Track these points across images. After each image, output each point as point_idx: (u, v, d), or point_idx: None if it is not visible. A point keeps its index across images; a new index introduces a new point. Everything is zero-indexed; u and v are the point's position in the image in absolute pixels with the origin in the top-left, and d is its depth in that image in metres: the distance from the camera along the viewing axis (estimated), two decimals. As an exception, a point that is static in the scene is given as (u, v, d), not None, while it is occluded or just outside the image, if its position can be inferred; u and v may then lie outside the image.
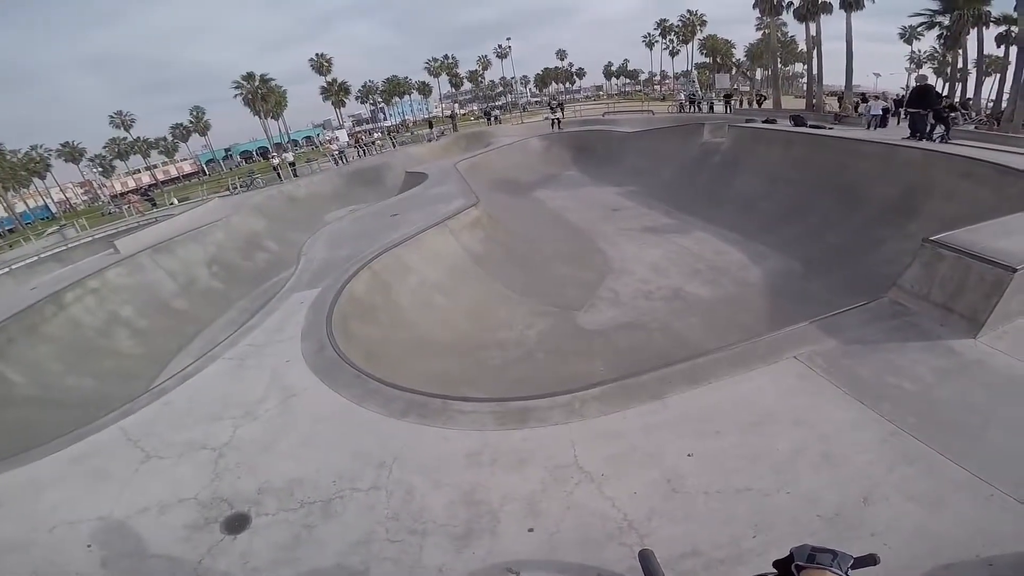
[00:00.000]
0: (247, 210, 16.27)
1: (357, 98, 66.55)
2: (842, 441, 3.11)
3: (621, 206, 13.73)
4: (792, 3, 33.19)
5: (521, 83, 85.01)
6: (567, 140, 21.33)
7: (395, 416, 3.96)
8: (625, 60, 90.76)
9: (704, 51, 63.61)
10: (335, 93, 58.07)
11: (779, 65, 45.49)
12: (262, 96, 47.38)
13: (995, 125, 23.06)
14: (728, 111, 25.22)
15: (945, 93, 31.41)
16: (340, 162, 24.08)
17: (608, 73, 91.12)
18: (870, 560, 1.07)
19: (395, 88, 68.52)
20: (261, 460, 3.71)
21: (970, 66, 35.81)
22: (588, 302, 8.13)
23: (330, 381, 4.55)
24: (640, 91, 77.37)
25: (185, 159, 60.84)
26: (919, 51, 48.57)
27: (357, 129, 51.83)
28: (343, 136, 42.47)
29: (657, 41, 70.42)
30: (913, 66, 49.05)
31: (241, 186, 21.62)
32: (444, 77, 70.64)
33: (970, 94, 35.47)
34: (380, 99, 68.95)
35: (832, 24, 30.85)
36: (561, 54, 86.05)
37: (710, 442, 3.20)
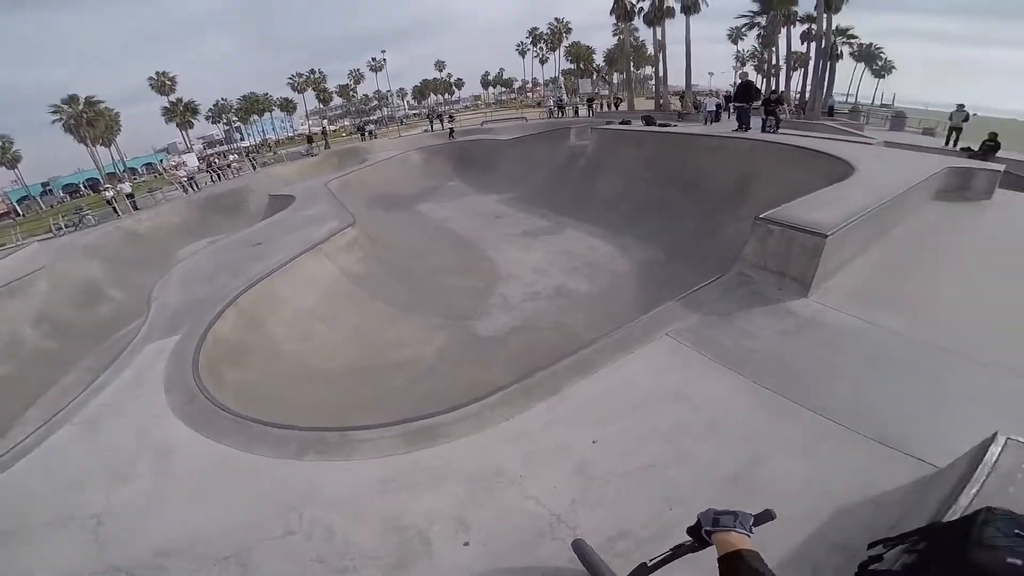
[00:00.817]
0: (77, 253, 13.55)
1: (208, 118, 59.85)
2: (720, 407, 3.38)
3: (503, 213, 13.97)
4: (642, 8, 36.77)
5: (398, 96, 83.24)
6: (448, 151, 21.26)
7: (291, 457, 3.60)
8: (501, 69, 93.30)
9: (570, 57, 66.88)
10: (180, 114, 51.52)
11: (632, 68, 50.11)
12: (88, 121, 40.55)
13: (802, 114, 27.77)
14: (591, 114, 27.15)
15: (762, 88, 36.71)
16: (191, 189, 21.23)
17: (485, 82, 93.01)
18: (767, 516, 1.10)
19: (253, 106, 62.86)
20: (150, 522, 3.29)
21: (781, 62, 42.11)
22: (481, 310, 8.14)
23: (208, 432, 4.05)
24: (515, 99, 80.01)
25: (-11, 198, 48.56)
26: (743, 50, 54.26)
27: (209, 152, 46.44)
28: (192, 160, 37.53)
29: (529, 49, 72.75)
30: (738, 64, 54.82)
31: (67, 225, 17.90)
32: (311, 93, 66.48)
33: (783, 87, 41.85)
34: (235, 118, 62.70)
35: (675, 28, 35.17)
36: (440, 65, 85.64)
37: (609, 427, 3.33)
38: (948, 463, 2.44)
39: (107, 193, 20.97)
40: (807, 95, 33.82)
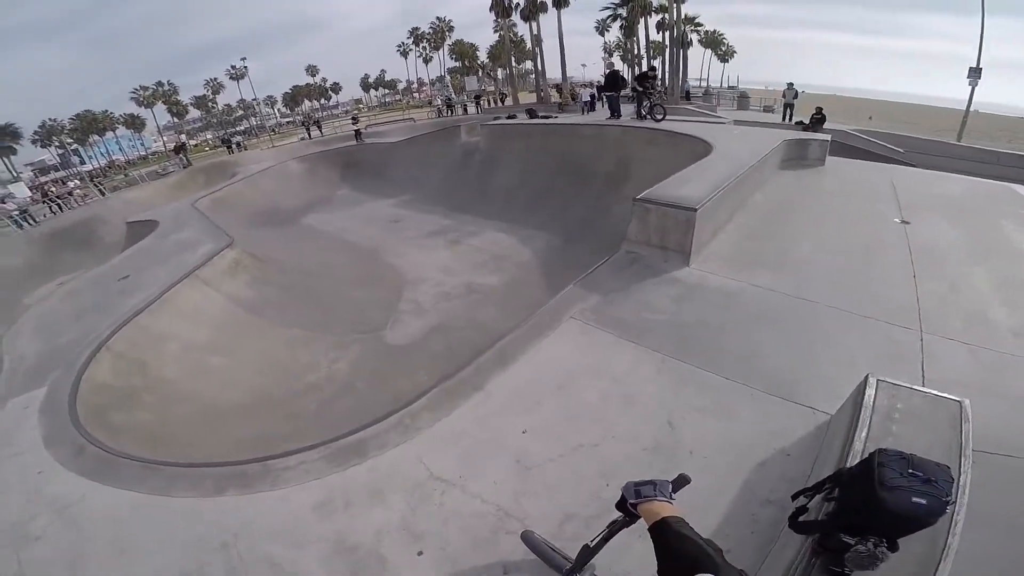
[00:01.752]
0: None
1: (35, 142, 51.34)
2: (631, 379, 3.55)
3: (400, 217, 13.57)
4: (519, 4, 37.63)
5: (266, 104, 76.73)
6: (332, 158, 19.93)
7: (212, 495, 3.25)
8: (382, 71, 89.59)
9: (454, 56, 66.24)
10: None
11: (514, 63, 51.17)
12: None
13: (665, 100, 30.38)
14: (479, 111, 27.34)
15: (627, 76, 39.41)
16: (25, 224, 17.73)
17: (366, 85, 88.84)
18: (683, 480, 1.13)
19: (91, 125, 54.70)
20: None
21: (642, 51, 45.52)
22: (391, 318, 7.84)
23: (112, 480, 3.54)
24: (400, 100, 78.08)
25: None
26: (610, 41, 56.51)
27: (43, 179, 39.02)
28: (21, 191, 31.20)
29: (411, 49, 70.83)
30: (606, 55, 57.75)
31: None
32: (161, 107, 59.23)
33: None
34: (71, 140, 54.10)
35: (549, 22, 36.32)
36: (312, 70, 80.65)
37: (536, 414, 3.38)
38: (837, 408, 2.73)
39: None
40: (666, 81, 37.05)
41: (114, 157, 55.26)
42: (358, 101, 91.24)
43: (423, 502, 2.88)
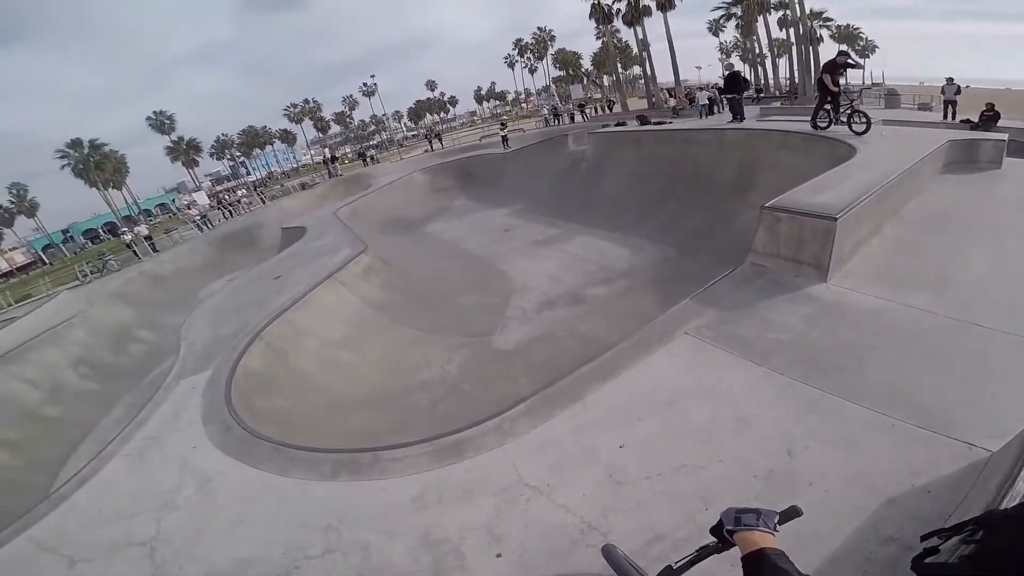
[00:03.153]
0: (106, 300, 14.49)
1: (211, 155, 61.68)
2: (748, 402, 3.35)
3: (511, 225, 14.09)
4: (619, 10, 37.04)
5: (394, 118, 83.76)
6: (451, 170, 21.49)
7: (326, 479, 3.77)
8: (492, 82, 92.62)
9: (558, 65, 66.89)
10: (184, 152, 53.19)
11: (620, 69, 50.16)
12: (96, 164, 41.78)
13: (795, 99, 27.74)
14: (585, 119, 27.34)
15: (750, 77, 36.22)
16: (204, 228, 21.83)
17: (479, 98, 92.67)
18: (793, 512, 1.09)
19: (254, 139, 64.09)
20: (199, 547, 3.47)
21: (765, 50, 41.95)
22: (499, 324, 8.19)
23: (247, 459, 4.25)
24: (510, 111, 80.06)
25: (14, 248, 45.81)
26: (726, 42, 54.21)
27: (218, 189, 47.31)
28: (202, 198, 38.11)
29: (517, 60, 72.54)
30: (724, 56, 54.95)
31: (92, 272, 18.51)
32: (308, 122, 67.41)
33: (770, 75, 41.46)
34: (239, 153, 63.90)
35: (656, 26, 34.88)
36: (431, 84, 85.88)
37: (636, 430, 3.32)
38: (1000, 446, 2.39)
39: (125, 237, 21.85)
40: (795, 80, 33.62)
41: (272, 169, 64.16)
42: (472, 113, 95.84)
43: (509, 506, 2.98)
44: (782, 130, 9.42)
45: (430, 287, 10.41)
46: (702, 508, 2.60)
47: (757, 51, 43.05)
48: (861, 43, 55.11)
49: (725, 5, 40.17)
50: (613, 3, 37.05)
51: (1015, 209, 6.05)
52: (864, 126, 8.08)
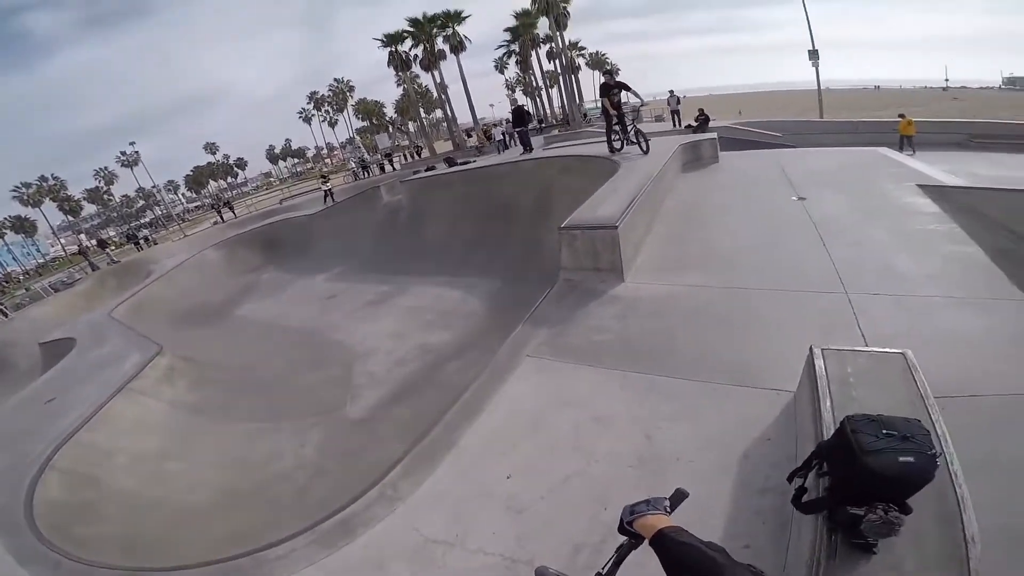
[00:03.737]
0: None
1: None
2: (597, 402, 3.58)
3: (336, 291, 13.10)
4: (417, 55, 38.57)
5: (168, 189, 72.29)
6: (251, 241, 19.13)
7: None
8: (287, 140, 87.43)
9: (360, 115, 66.02)
10: None
11: (423, 114, 52.11)
12: None
13: (567, 125, 32.34)
14: (394, 168, 27.54)
15: (532, 109, 40.81)
16: None
17: (273, 157, 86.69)
18: (680, 495, 1.15)
19: None
20: None
21: (540, 82, 47.84)
22: (349, 395, 7.56)
23: None
24: (312, 168, 76.66)
25: None
26: (510, 78, 57.40)
27: None
28: None
29: (314, 114, 69.51)
30: (509, 92, 58.69)
31: None
32: (50, 205, 54.29)
33: (546, 104, 47.31)
34: None
35: (451, 68, 37.20)
36: (211, 148, 77.05)
37: (515, 456, 3.33)
38: (796, 384, 2.85)
39: None
40: (564, 107, 39.09)
41: (9, 269, 49.73)
42: (267, 174, 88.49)
43: (427, 568, 2.78)
44: (562, 155, 10.80)
45: (256, 375, 9.14)
46: (600, 509, 2.67)
47: (535, 84, 48.66)
48: (608, 66, 66.15)
49: (506, 43, 44.42)
50: (410, 49, 38.42)
51: (732, 193, 7.87)
52: (646, 144, 8.83)
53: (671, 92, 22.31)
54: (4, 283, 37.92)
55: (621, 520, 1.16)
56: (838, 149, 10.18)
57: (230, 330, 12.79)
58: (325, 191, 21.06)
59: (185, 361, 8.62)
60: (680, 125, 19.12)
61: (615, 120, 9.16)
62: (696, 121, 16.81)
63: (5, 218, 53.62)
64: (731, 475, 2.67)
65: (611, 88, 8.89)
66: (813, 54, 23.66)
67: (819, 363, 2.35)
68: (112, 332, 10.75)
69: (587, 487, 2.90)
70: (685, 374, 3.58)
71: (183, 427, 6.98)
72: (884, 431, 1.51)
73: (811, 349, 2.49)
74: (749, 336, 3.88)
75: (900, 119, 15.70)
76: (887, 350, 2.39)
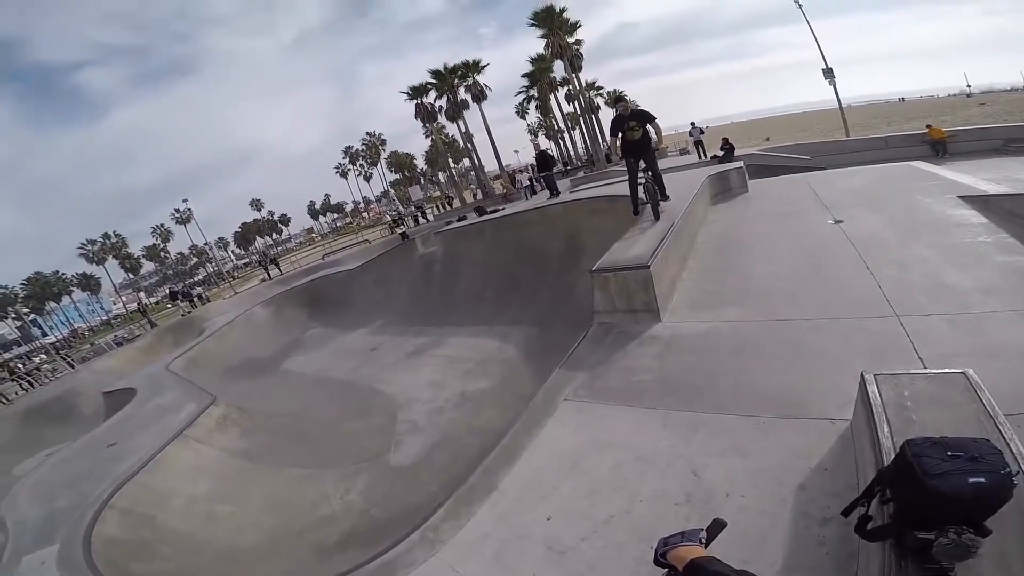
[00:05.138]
0: None
1: None
2: (639, 442, 3.52)
3: (377, 344, 13.56)
4: (442, 107, 40.48)
5: (219, 246, 76.05)
6: (296, 297, 20.15)
7: None
8: (327, 195, 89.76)
9: (392, 168, 67.37)
10: None
11: (452, 164, 53.91)
12: None
13: (592, 166, 32.88)
14: (428, 220, 28.64)
15: (554, 153, 41.32)
16: None
17: (314, 212, 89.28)
18: (718, 525, 1.16)
19: (44, 290, 51.97)
20: None
21: (562, 124, 48.57)
22: (392, 442, 7.86)
23: None
24: (351, 223, 78.85)
25: None
26: (532, 123, 58.39)
27: (7, 357, 37.49)
28: None
29: (349, 169, 70.84)
30: (532, 136, 59.02)
31: None
32: (112, 262, 56.42)
33: (569, 146, 47.85)
34: (26, 309, 51.33)
35: (475, 117, 38.51)
36: (257, 204, 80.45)
37: (555, 499, 3.28)
38: (850, 413, 2.77)
39: None
40: (588, 148, 39.51)
41: (76, 325, 52.86)
42: (309, 230, 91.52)
43: None
44: (589, 197, 10.97)
45: (303, 424, 9.57)
46: (647, 548, 2.63)
47: (556, 127, 49.66)
48: (618, 92, 65.40)
49: (524, 88, 45.59)
50: (435, 100, 40.43)
51: (766, 221, 7.76)
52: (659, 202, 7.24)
53: (692, 124, 22.51)
54: (72, 339, 40.75)
55: (655, 552, 1.18)
56: (870, 167, 9.93)
57: (278, 382, 13.39)
58: (400, 233, 22.67)
59: (237, 411, 9.10)
60: (705, 156, 19.16)
61: (639, 166, 7.05)
62: (721, 151, 16.84)
63: (73, 275, 55.98)
64: (788, 507, 2.56)
65: (625, 121, 6.82)
66: (828, 73, 23.52)
67: (872, 389, 2.28)
68: (169, 383, 11.61)
69: (632, 527, 2.84)
70: (731, 410, 3.48)
71: (234, 472, 7.38)
72: (949, 453, 1.47)
73: (862, 375, 2.42)
74: (796, 367, 3.76)
75: (928, 129, 15.64)
76: (946, 370, 2.29)
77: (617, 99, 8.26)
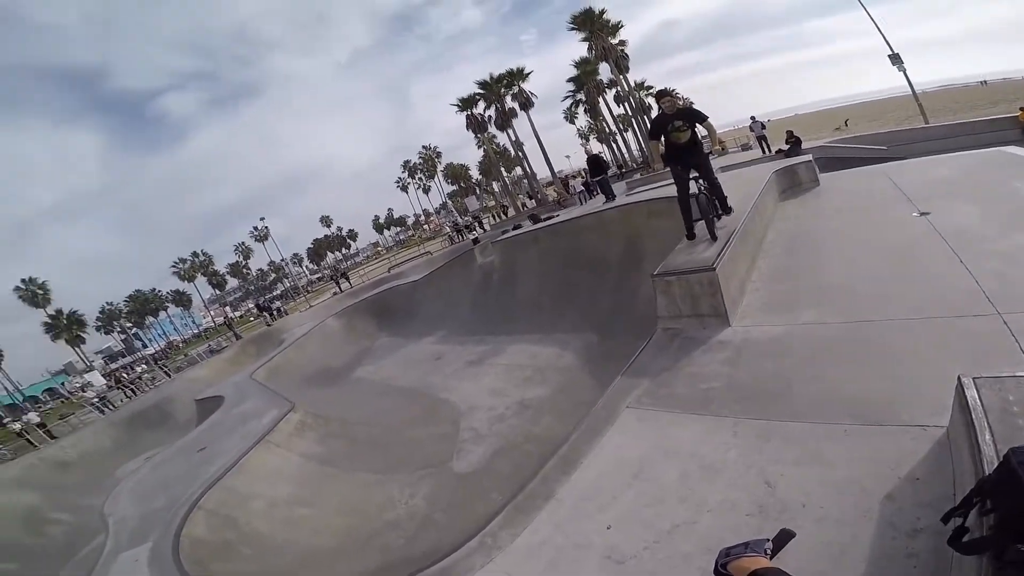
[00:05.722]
0: (4, 488, 13.93)
1: (98, 328, 54.36)
2: (706, 450, 3.40)
3: (440, 353, 14.03)
4: (491, 116, 41.18)
5: (294, 262, 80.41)
6: (365, 309, 21.34)
7: None
8: (389, 209, 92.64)
9: (449, 179, 68.73)
10: (66, 328, 45.96)
11: (504, 173, 54.41)
12: None
13: (649, 168, 32.13)
14: (485, 230, 29.24)
15: (607, 156, 40.50)
16: (106, 409, 20.80)
17: (378, 227, 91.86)
18: (785, 535, 1.15)
19: (144, 306, 57.79)
20: None
21: (613, 127, 47.65)
22: (455, 449, 8.14)
23: None
24: (413, 236, 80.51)
25: None
26: (582, 127, 56.98)
27: (113, 367, 42.03)
28: (97, 379, 34.31)
29: (409, 182, 72.26)
30: (583, 140, 58.01)
31: None
32: (201, 279, 61.54)
33: (623, 149, 46.82)
34: (130, 324, 57.19)
35: (523, 126, 38.55)
36: (326, 220, 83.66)
37: (616, 508, 3.23)
38: (946, 419, 2.55)
39: (14, 426, 20.26)
40: (644, 150, 38.51)
41: (171, 338, 58.20)
42: (375, 244, 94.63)
43: None
44: (647, 199, 10.76)
45: (373, 430, 10.11)
46: (711, 560, 2.54)
47: (607, 130, 48.81)
48: (680, 103, 63.55)
49: (571, 93, 45.08)
50: (484, 111, 41.23)
51: (841, 216, 7.28)
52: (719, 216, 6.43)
53: (753, 118, 21.42)
54: (168, 350, 45.44)
55: (716, 563, 1.17)
56: (956, 154, 8.99)
57: (350, 390, 14.26)
58: (473, 239, 22.89)
59: (313, 417, 9.73)
60: (770, 151, 18.20)
61: (689, 175, 6.09)
62: (787, 144, 15.94)
63: (168, 292, 62.04)
64: (873, 519, 2.38)
65: (669, 120, 5.90)
66: (895, 58, 21.52)
67: (971, 393, 2.07)
68: (253, 391, 12.68)
69: (697, 537, 2.74)
70: (808, 417, 3.28)
71: (311, 476, 7.87)
72: None
73: (959, 379, 2.24)
74: (881, 372, 3.48)
75: (1021, 112, 14.10)
76: None
77: (661, 93, 6.27)
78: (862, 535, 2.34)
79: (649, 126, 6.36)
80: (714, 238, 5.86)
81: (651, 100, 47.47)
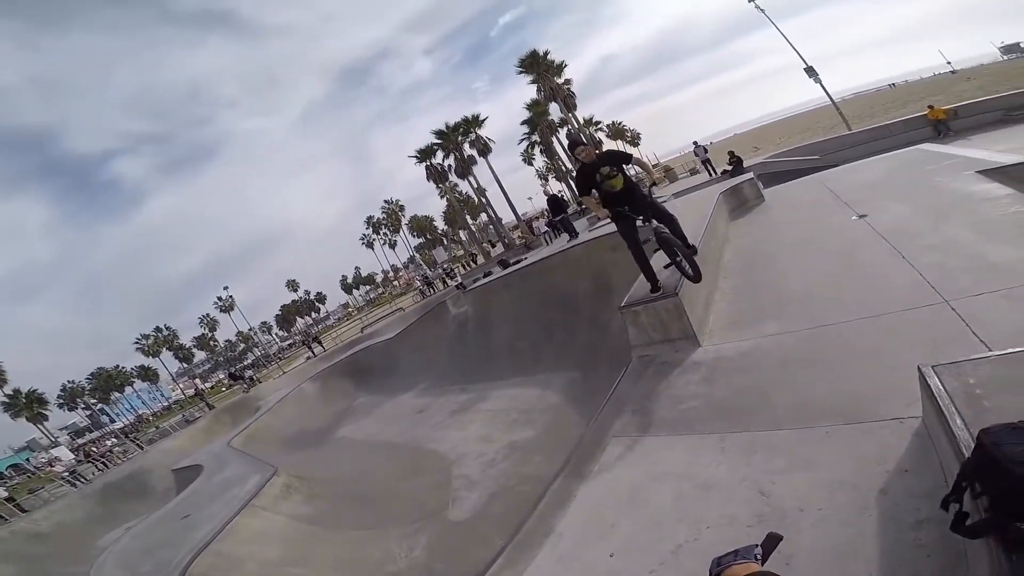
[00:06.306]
0: None
1: (60, 405, 52.80)
2: (697, 469, 3.41)
3: (423, 406, 13.68)
4: (451, 165, 41.76)
5: (263, 330, 78.69)
6: (341, 371, 20.80)
7: None
8: (356, 268, 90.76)
9: (414, 232, 68.92)
10: (26, 407, 44.96)
11: (469, 221, 55.01)
12: None
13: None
14: (454, 281, 29.31)
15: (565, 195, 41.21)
16: (78, 483, 21.16)
17: (347, 287, 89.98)
18: (773, 539, 1.14)
19: (108, 382, 56.24)
20: None
21: (569, 165, 48.91)
22: (449, 497, 7.93)
23: None
24: (383, 293, 79.74)
25: None
26: (540, 168, 57.23)
27: (81, 441, 42.15)
28: (65, 454, 34.20)
29: (374, 238, 71.51)
30: (543, 181, 59.43)
31: None
32: (167, 354, 60.73)
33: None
34: (94, 400, 55.50)
35: (483, 172, 38.82)
36: (293, 284, 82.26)
37: (616, 535, 3.20)
38: (919, 410, 2.65)
39: None
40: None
41: (140, 412, 56.62)
42: (345, 305, 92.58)
43: None
44: (606, 233, 11.11)
45: (361, 487, 9.86)
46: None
47: (564, 169, 50.30)
48: (628, 135, 64.56)
49: (526, 135, 45.73)
50: (443, 160, 41.79)
51: (789, 228, 7.72)
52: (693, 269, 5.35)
53: (695, 143, 22.83)
54: (137, 423, 43.42)
55: (710, 573, 1.16)
56: (880, 157, 9.84)
57: (333, 450, 13.77)
58: (458, 284, 22.41)
59: (298, 479, 9.34)
60: (715, 173, 19.28)
61: (638, 221, 5.28)
62: (730, 164, 16.95)
63: (132, 368, 60.37)
64: (873, 514, 2.41)
65: (595, 171, 5.15)
66: (810, 71, 23.73)
67: (933, 382, 2.17)
68: (232, 458, 12.10)
69: (701, 554, 2.69)
70: (790, 424, 3.35)
71: (301, 536, 7.64)
72: None
73: (919, 369, 2.32)
74: (850, 372, 3.61)
75: (929, 110, 15.81)
76: (1013, 350, 2.18)
77: (572, 144, 5.51)
78: (867, 532, 2.36)
79: (575, 183, 5.69)
80: (697, 276, 5.28)
81: (600, 134, 49.86)
